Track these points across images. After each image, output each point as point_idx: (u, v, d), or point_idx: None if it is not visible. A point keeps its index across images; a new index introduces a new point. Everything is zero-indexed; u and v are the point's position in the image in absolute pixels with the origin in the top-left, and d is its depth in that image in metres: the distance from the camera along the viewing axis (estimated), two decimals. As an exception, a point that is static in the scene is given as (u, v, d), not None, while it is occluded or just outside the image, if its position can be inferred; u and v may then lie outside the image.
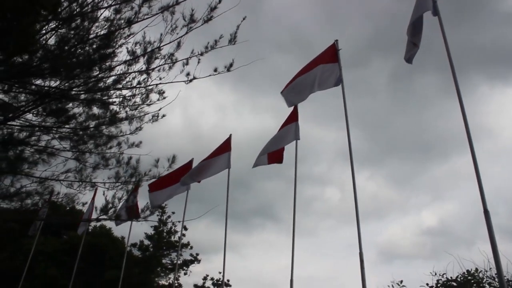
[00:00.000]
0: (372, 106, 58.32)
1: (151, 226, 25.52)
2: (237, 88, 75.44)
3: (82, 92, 9.05)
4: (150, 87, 9.43)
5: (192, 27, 8.31)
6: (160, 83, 9.18)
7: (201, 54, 8.70)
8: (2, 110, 8.77)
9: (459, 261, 9.94)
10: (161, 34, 8.38)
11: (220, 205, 12.45)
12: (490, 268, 9.30)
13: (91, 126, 9.72)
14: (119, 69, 8.83)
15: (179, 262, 23.20)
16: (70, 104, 9.31)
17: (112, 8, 8.09)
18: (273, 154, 12.03)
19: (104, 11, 8.15)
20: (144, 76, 9.06)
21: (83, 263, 17.94)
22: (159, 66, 8.83)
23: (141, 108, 9.92)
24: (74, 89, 8.86)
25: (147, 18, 8.18)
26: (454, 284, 9.76)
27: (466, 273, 9.76)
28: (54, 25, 7.83)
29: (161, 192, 14.13)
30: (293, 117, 11.69)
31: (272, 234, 54.19)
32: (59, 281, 19.42)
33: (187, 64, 8.83)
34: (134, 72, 8.87)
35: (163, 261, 25.31)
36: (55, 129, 9.43)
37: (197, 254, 26.47)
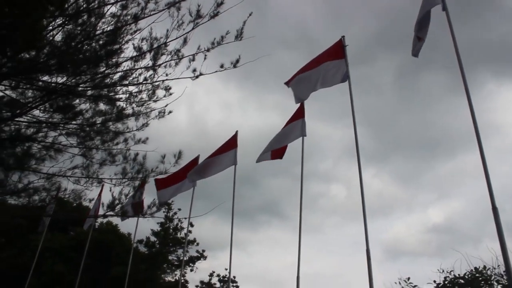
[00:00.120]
0: (378, 103, 58.16)
1: (158, 223, 25.57)
2: (242, 85, 75.43)
3: (88, 88, 9.05)
4: (156, 83, 9.43)
5: (199, 23, 8.29)
6: (166, 79, 9.18)
7: (208, 50, 8.68)
8: (10, 106, 8.80)
9: (466, 259, 9.89)
10: (168, 30, 8.38)
11: (226, 201, 12.48)
12: (499, 266, 9.25)
13: (98, 122, 9.74)
14: (126, 65, 8.84)
15: (185, 258, 23.24)
16: (77, 100, 9.33)
17: (119, 4, 8.09)
18: (276, 150, 12.04)
19: (111, 7, 8.15)
20: (151, 72, 9.07)
21: (89, 259, 18.04)
22: (166, 62, 8.81)
23: (147, 104, 9.93)
24: (80, 85, 8.87)
25: (153, 14, 8.18)
26: (462, 281, 9.70)
27: (474, 270, 9.70)
28: (61, 21, 7.83)
29: (168, 189, 14.19)
30: (299, 114, 11.65)
31: (278, 231, 54.27)
32: (66, 277, 19.51)
33: (193, 60, 8.83)
34: (141, 68, 8.88)
35: (170, 257, 25.35)
36: (62, 125, 9.45)
37: (203, 251, 26.56)
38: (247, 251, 45.30)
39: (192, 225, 24.24)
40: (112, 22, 8.29)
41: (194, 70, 8.79)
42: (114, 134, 9.97)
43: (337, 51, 10.50)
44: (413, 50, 8.97)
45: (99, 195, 16.07)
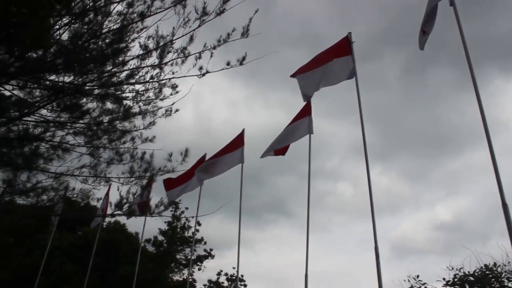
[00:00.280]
0: (384, 100, 57.88)
1: (165, 222, 25.59)
2: (248, 83, 75.43)
3: (95, 87, 9.07)
4: (163, 82, 9.44)
5: (205, 20, 8.27)
6: (173, 77, 9.19)
7: (214, 47, 8.66)
8: (18, 106, 8.83)
9: (476, 256, 9.78)
10: (174, 28, 8.37)
11: (233, 200, 12.46)
12: (509, 262, 9.14)
13: (105, 121, 9.75)
14: (132, 64, 8.84)
15: (193, 257, 23.26)
16: (84, 99, 9.33)
17: (125, 2, 8.08)
18: (280, 148, 12.03)
19: (117, 5, 8.15)
20: (157, 70, 9.06)
21: (98, 259, 18.12)
22: (172, 60, 8.81)
23: (154, 103, 9.94)
24: (87, 84, 8.89)
25: (159, 12, 8.17)
26: (472, 278, 9.60)
27: (483, 267, 9.59)
28: (68, 20, 7.84)
29: (176, 189, 14.25)
30: (306, 111, 11.59)
31: (285, 230, 54.22)
32: (74, 276, 19.63)
33: (199, 58, 8.82)
34: (147, 66, 8.87)
35: (177, 256, 25.40)
36: (69, 124, 9.47)
37: (211, 250, 26.57)
38: (254, 250, 45.36)
39: (199, 224, 24.27)
40: (119, 21, 8.29)
41: (201, 68, 8.79)
42: (121, 133, 9.99)
43: (344, 47, 10.44)
44: (419, 43, 8.97)
45: (107, 194, 16.15)
